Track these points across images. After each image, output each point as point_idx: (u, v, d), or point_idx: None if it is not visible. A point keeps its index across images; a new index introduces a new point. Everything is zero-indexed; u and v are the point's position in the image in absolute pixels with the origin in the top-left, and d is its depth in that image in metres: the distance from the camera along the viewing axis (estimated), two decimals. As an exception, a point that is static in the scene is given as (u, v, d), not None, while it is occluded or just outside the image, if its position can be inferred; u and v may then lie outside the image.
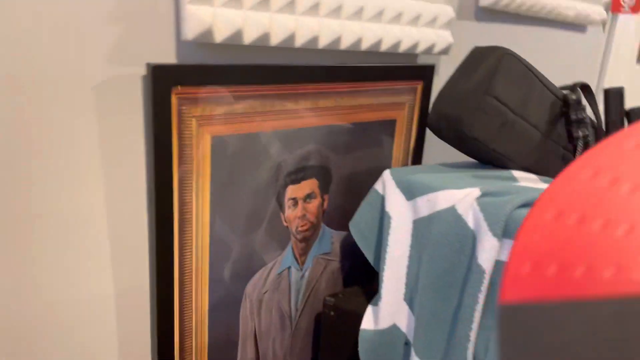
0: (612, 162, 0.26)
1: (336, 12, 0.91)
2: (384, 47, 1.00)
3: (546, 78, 1.04)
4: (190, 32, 0.76)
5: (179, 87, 0.78)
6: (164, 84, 0.77)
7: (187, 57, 0.81)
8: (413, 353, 0.92)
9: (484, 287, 0.80)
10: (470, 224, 0.83)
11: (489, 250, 0.79)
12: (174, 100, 0.78)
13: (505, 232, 0.78)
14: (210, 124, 0.84)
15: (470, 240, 0.83)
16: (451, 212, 0.85)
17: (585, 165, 0.27)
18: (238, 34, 0.80)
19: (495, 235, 0.78)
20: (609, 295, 0.23)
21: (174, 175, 0.81)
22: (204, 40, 0.78)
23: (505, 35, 1.35)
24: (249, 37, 0.81)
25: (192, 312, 0.91)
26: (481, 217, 0.81)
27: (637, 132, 0.27)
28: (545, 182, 0.98)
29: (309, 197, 1.03)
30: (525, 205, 0.80)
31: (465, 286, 0.83)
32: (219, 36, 0.78)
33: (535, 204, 0.28)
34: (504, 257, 0.79)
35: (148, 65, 0.75)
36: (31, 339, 0.77)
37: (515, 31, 1.38)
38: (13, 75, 0.66)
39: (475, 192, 0.84)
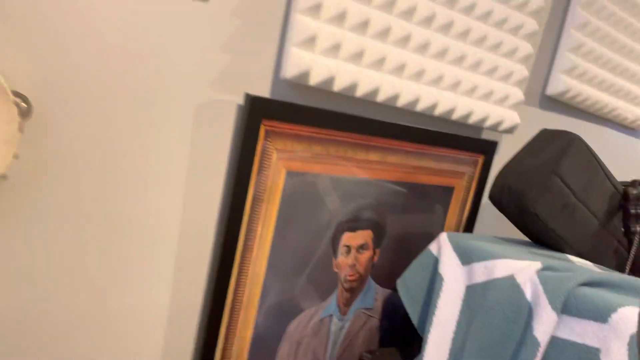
0: None
1: (418, 75, 0.97)
2: (455, 115, 1.05)
3: (609, 170, 1.06)
4: (290, 72, 0.82)
5: (269, 120, 0.83)
6: (257, 115, 0.82)
7: (279, 93, 0.87)
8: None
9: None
10: (528, 295, 0.83)
11: (547, 324, 0.79)
12: (262, 130, 0.83)
13: (565, 307, 0.78)
14: (288, 158, 0.88)
15: (525, 312, 0.82)
16: (509, 281, 0.85)
17: None
18: (330, 81, 0.86)
19: (554, 309, 0.78)
20: None
21: (247, 199, 0.85)
22: (299, 82, 0.84)
23: (565, 125, 1.40)
24: (339, 85, 0.87)
25: (235, 339, 0.91)
26: (540, 290, 0.81)
27: None
28: (601, 269, 0.98)
29: (362, 247, 1.05)
30: (586, 284, 0.80)
31: (517, 358, 0.82)
32: (314, 80, 0.84)
33: None
34: (561, 333, 0.79)
35: (247, 95, 0.81)
36: (84, 332, 0.78)
37: (574, 123, 1.42)
38: (133, 87, 0.72)
39: (537, 265, 0.84)
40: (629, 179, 1.62)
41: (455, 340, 0.93)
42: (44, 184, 0.70)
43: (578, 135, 1.00)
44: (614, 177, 1.08)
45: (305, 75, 0.83)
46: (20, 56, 0.65)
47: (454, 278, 0.95)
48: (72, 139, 0.70)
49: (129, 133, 0.74)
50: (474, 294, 0.91)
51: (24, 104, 0.65)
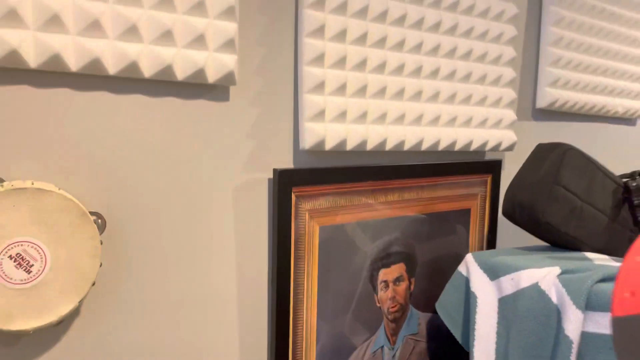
0: None
1: (418, 120, 1.09)
2: (457, 146, 1.17)
3: (606, 168, 1.16)
4: (307, 143, 0.95)
5: (296, 187, 0.96)
6: (286, 184, 0.94)
7: (301, 162, 0.99)
8: None
9: (573, 357, 0.88)
10: (554, 299, 0.92)
11: (575, 322, 0.88)
12: (292, 197, 0.96)
13: (588, 304, 0.88)
14: (318, 215, 1.00)
15: (555, 314, 0.92)
16: (535, 289, 0.95)
17: None
18: (342, 143, 0.98)
19: (579, 307, 0.88)
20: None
21: (291, 258, 0.96)
22: (317, 149, 0.96)
23: (562, 131, 1.50)
24: (350, 144, 0.99)
25: (301, 385, 1.02)
26: (564, 292, 0.91)
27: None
28: (618, 261, 1.07)
29: (398, 280, 1.15)
30: (604, 280, 0.90)
31: (555, 357, 0.91)
32: (328, 145, 0.97)
33: (626, 255, 0.42)
34: (589, 328, 0.88)
35: (274, 170, 0.93)
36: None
37: (570, 127, 1.53)
38: (182, 185, 0.86)
39: (556, 270, 0.94)
40: (631, 167, 1.71)
41: (497, 350, 1.03)
42: (123, 283, 0.83)
43: (570, 145, 1.11)
44: (612, 174, 1.18)
45: (321, 143, 0.96)
46: (90, 182, 0.78)
47: (486, 293, 1.05)
48: (140, 241, 0.83)
49: (183, 224, 0.87)
50: (507, 305, 1.01)
51: (99, 220, 0.78)
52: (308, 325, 1.01)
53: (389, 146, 1.05)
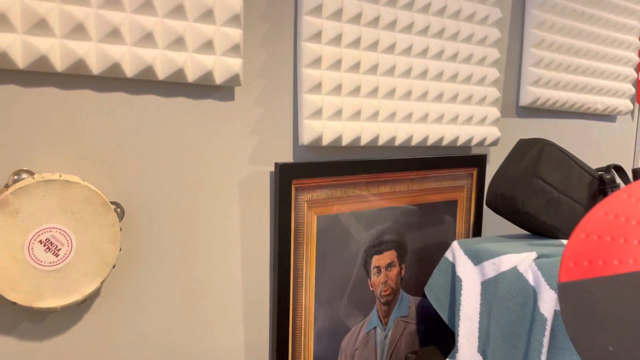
0: (616, 206, 0.48)
1: (408, 117, 1.18)
2: (445, 142, 1.25)
3: (582, 162, 1.25)
4: (306, 139, 1.03)
5: (296, 179, 1.04)
6: (287, 177, 1.03)
7: (301, 156, 1.08)
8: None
9: (547, 333, 0.97)
10: (531, 281, 1.01)
11: (549, 302, 0.97)
12: (292, 189, 1.04)
13: (560, 285, 0.97)
14: (316, 206, 1.09)
15: (531, 295, 1.01)
16: (514, 272, 1.04)
17: (599, 209, 0.50)
18: (338, 139, 1.07)
19: (552, 288, 0.97)
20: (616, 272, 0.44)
21: (291, 244, 1.05)
22: (315, 144, 1.05)
23: (544, 127, 1.59)
24: (345, 140, 1.08)
25: (300, 362, 1.10)
26: (539, 275, 1.00)
27: (632, 190, 0.50)
28: (591, 247, 1.16)
29: (389, 265, 1.24)
30: (575, 263, 0.99)
31: (531, 333, 1.00)
32: (325, 141, 1.05)
33: (573, 231, 0.51)
34: (562, 307, 0.97)
35: (276, 164, 1.02)
36: (185, 378, 0.98)
37: (552, 124, 1.62)
38: (192, 177, 0.94)
39: (533, 255, 1.03)
40: (609, 161, 1.80)
41: (480, 329, 1.12)
42: (140, 267, 0.91)
43: (548, 140, 1.20)
44: (588, 167, 1.27)
45: (318, 139, 1.04)
46: (110, 174, 0.86)
47: (470, 277, 1.14)
48: (155, 229, 0.92)
49: (193, 213, 0.95)
50: (489, 288, 1.10)
51: (118, 209, 0.86)
52: (306, 306, 1.10)
53: (381, 142, 1.14)
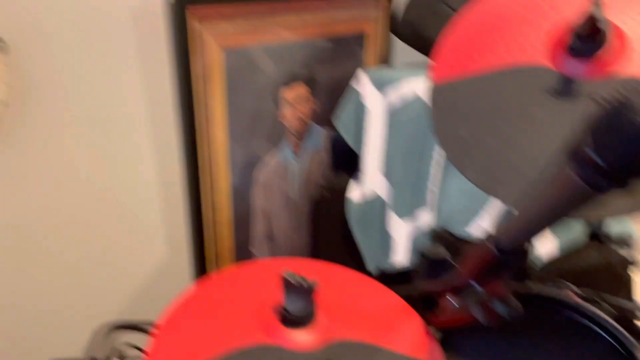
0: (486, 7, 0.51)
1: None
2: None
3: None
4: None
5: (192, 5, 0.99)
6: (181, 5, 0.97)
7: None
8: (391, 212, 1.20)
9: (438, 148, 1.07)
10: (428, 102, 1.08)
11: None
12: (189, 15, 0.99)
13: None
14: (220, 37, 1.05)
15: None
16: (414, 97, 1.10)
17: (468, 12, 0.53)
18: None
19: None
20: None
21: (192, 78, 1.03)
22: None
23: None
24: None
25: (211, 192, 1.16)
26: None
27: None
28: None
29: (300, 98, 1.27)
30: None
31: (424, 150, 1.10)
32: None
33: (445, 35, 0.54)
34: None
35: (170, -10, 0.95)
36: (85, 228, 1.02)
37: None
38: (77, 12, 0.87)
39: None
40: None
41: (384, 152, 1.20)
42: (34, 104, 0.87)
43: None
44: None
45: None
46: (-21, 2, 0.78)
47: (375, 104, 1.19)
48: (46, 67, 0.86)
49: (86, 47, 0.90)
50: (393, 113, 1.16)
51: (2, 44, 0.80)
52: (218, 140, 1.12)
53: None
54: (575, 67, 0.52)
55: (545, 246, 1.07)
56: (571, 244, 1.09)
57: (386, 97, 1.17)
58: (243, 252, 1.28)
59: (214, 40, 1.04)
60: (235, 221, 1.23)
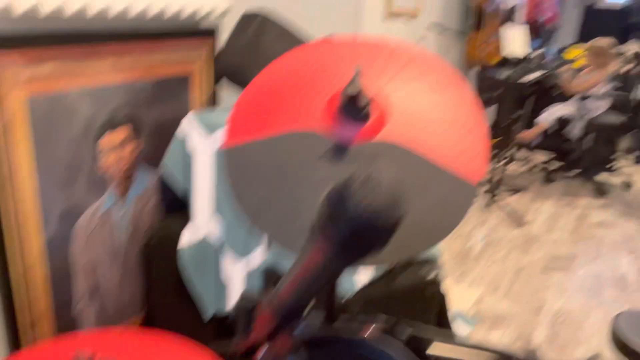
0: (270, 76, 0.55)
1: (122, -15, 1.09)
2: (168, 15, 1.21)
3: (301, 33, 1.35)
4: (-10, 8, 0.89)
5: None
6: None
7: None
8: (227, 255, 1.20)
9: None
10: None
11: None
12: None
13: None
14: (23, 83, 0.98)
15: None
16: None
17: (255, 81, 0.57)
18: (34, 8, 0.94)
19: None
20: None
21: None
22: (4, 16, 0.91)
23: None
24: (45, 10, 0.96)
25: (20, 249, 1.06)
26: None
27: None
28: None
29: (123, 143, 1.22)
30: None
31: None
32: (17, 10, 0.92)
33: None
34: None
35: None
36: None
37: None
38: None
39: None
40: (340, 29, 1.97)
41: (216, 193, 1.20)
42: None
43: (265, 15, 1.26)
44: (304, 35, 1.38)
45: (6, 9, 0.90)
46: None
47: (203, 147, 1.19)
48: None
49: None
50: (220, 154, 1.17)
51: None
52: (25, 194, 1.03)
53: (91, 13, 1.04)
54: (346, 132, 0.58)
55: (358, 273, 1.15)
56: (381, 269, 1.19)
57: (215, 140, 1.17)
58: (64, 317, 1.18)
59: (16, 87, 0.96)
60: (52, 279, 1.13)
